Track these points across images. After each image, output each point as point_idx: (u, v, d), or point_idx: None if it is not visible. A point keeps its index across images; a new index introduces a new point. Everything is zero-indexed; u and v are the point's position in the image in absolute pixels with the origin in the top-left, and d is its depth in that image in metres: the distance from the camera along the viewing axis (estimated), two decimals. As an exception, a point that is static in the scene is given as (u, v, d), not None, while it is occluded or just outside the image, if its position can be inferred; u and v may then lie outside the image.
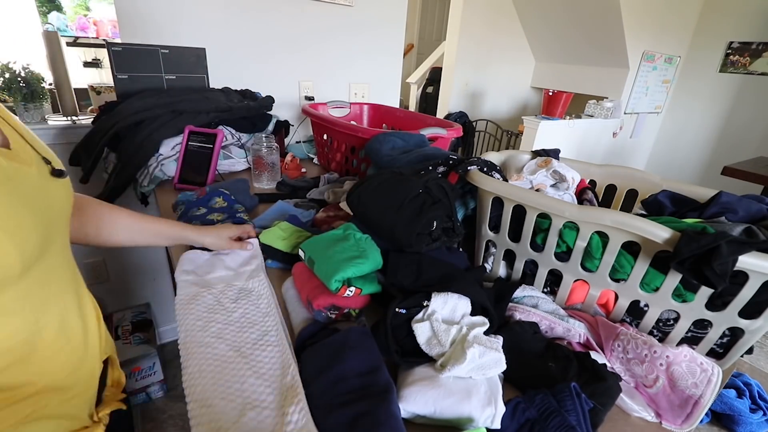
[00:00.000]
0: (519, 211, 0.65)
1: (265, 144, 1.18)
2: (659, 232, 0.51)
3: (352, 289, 0.60)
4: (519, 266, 0.70)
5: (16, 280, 0.37)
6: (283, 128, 1.46)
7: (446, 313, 0.56)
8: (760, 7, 3.26)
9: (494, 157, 0.84)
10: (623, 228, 0.54)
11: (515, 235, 0.68)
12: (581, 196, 0.80)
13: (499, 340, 0.53)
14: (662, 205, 0.73)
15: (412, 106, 4.27)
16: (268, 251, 0.78)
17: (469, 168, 0.72)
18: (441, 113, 3.71)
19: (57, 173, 0.45)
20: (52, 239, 0.43)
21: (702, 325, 0.56)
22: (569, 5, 3.11)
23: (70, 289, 0.48)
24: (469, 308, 0.57)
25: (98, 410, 0.52)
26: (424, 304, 0.56)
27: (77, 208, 0.59)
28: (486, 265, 0.75)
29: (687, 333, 0.57)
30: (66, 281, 0.47)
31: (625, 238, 0.55)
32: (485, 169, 0.72)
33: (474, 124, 3.43)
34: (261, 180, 1.20)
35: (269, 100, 1.36)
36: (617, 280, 0.60)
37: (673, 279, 0.54)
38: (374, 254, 0.64)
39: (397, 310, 0.55)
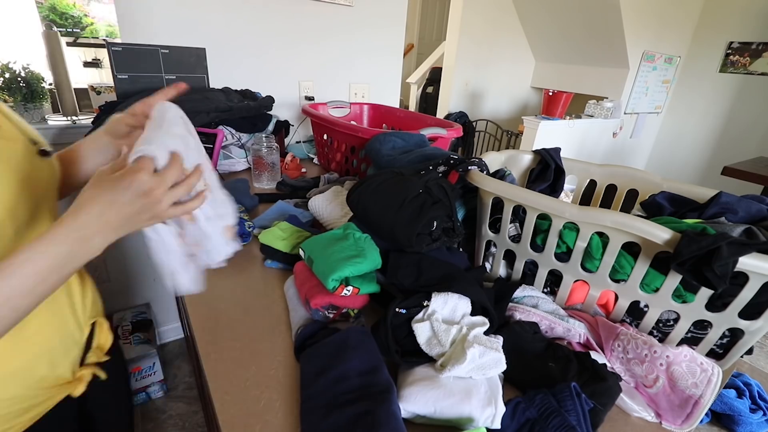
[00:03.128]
0: (519, 212, 0.65)
1: (265, 144, 1.18)
2: (659, 233, 0.51)
3: (350, 288, 0.60)
4: (519, 266, 0.70)
5: (10, 242, 0.41)
6: (283, 128, 1.46)
7: (446, 313, 0.56)
8: (760, 7, 3.26)
9: (495, 157, 0.84)
10: (623, 229, 0.54)
11: (516, 234, 0.68)
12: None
13: (499, 340, 0.53)
14: (661, 207, 0.73)
15: (412, 106, 4.27)
16: (267, 251, 0.78)
17: (469, 168, 0.72)
18: (441, 113, 3.71)
19: (43, 153, 0.50)
20: (42, 209, 0.48)
21: (702, 325, 0.56)
22: (569, 5, 3.10)
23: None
24: (469, 308, 0.57)
25: (80, 369, 0.55)
26: (424, 304, 0.56)
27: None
28: (486, 265, 0.75)
29: (687, 333, 0.57)
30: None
31: (626, 239, 0.55)
32: (484, 171, 0.72)
33: (474, 124, 3.43)
34: (261, 180, 1.20)
35: (269, 100, 1.36)
36: (617, 281, 0.60)
37: (673, 280, 0.54)
38: (373, 254, 0.64)
39: (397, 310, 0.55)
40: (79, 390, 0.54)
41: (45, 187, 0.49)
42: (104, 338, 0.62)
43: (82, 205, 0.38)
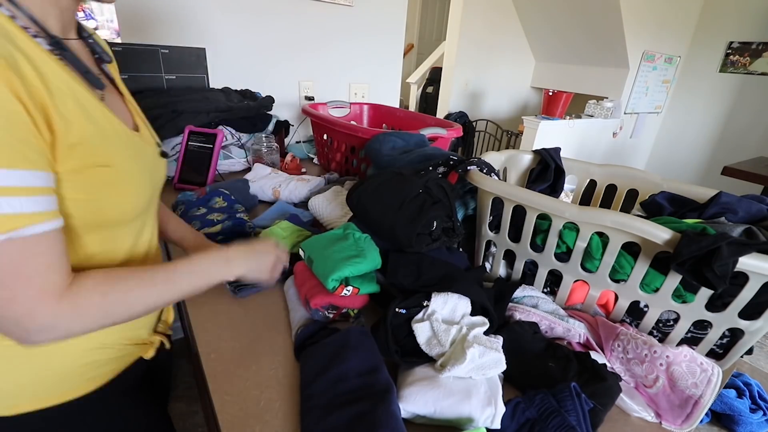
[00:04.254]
0: (519, 212, 0.65)
1: (265, 144, 1.18)
2: (660, 233, 0.51)
3: (350, 288, 0.60)
4: (519, 266, 0.70)
5: (129, 222, 0.51)
6: (283, 128, 1.46)
7: (446, 313, 0.56)
8: (760, 7, 3.26)
9: (494, 157, 0.84)
10: (623, 229, 0.54)
11: (516, 234, 0.68)
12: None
13: (499, 340, 0.53)
14: (661, 207, 0.73)
15: (412, 106, 4.27)
16: (268, 251, 0.78)
17: (468, 168, 0.72)
18: (441, 113, 3.71)
19: (163, 155, 0.60)
20: (155, 197, 0.59)
21: (702, 325, 0.56)
22: (569, 5, 3.11)
23: (155, 235, 0.63)
24: (469, 308, 0.57)
25: (153, 335, 0.64)
26: (424, 304, 0.56)
27: None
28: (486, 265, 0.75)
29: (687, 333, 0.57)
30: (153, 229, 0.62)
31: (626, 239, 0.55)
32: (484, 170, 0.72)
33: (474, 124, 3.43)
34: (261, 180, 1.20)
35: (269, 100, 1.36)
36: (617, 281, 0.60)
37: (673, 280, 0.54)
38: (373, 254, 0.64)
39: (397, 310, 0.55)
40: (150, 353, 0.62)
41: (160, 181, 0.61)
42: (169, 313, 0.72)
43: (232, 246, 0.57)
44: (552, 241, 0.63)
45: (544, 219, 0.64)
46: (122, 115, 0.53)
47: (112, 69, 0.57)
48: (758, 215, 0.64)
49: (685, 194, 0.74)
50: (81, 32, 0.51)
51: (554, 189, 0.85)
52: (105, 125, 0.45)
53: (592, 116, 3.27)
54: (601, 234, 0.59)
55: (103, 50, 0.53)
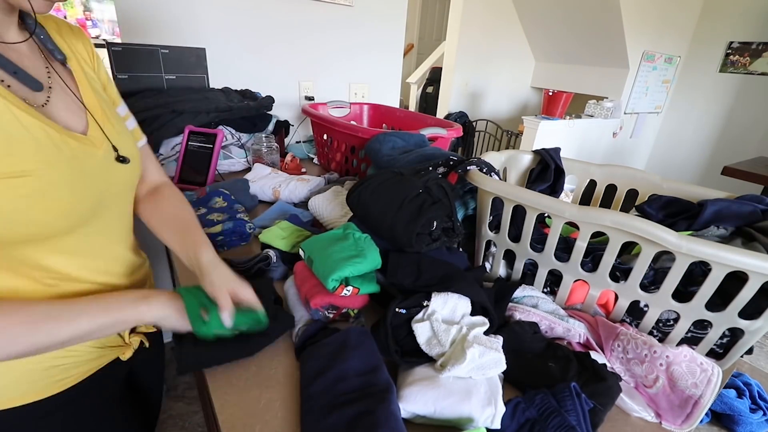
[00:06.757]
0: (519, 212, 0.65)
1: (265, 144, 1.18)
2: (660, 233, 0.51)
3: (350, 288, 0.60)
4: (519, 266, 0.70)
5: (67, 233, 0.48)
6: (283, 128, 1.46)
7: (446, 313, 0.56)
8: (760, 7, 3.26)
9: (495, 157, 0.84)
10: (623, 228, 0.54)
11: (516, 234, 0.68)
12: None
13: (499, 340, 0.53)
14: (649, 217, 0.72)
15: (412, 106, 4.27)
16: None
17: (468, 168, 0.72)
18: (441, 113, 3.71)
19: (120, 159, 0.55)
20: (107, 206, 0.54)
21: (702, 325, 0.56)
22: (569, 5, 3.11)
23: (119, 243, 0.59)
24: (469, 308, 0.57)
25: (131, 336, 0.62)
26: (424, 304, 0.56)
27: (157, 193, 0.69)
28: (486, 265, 0.75)
29: (687, 333, 0.57)
30: (116, 237, 0.58)
31: (625, 239, 0.55)
32: (484, 169, 0.72)
33: (474, 124, 3.43)
34: (261, 180, 1.20)
35: (269, 100, 1.36)
36: (617, 280, 0.60)
37: (674, 279, 0.54)
38: (373, 254, 0.64)
39: (397, 310, 0.55)
40: (127, 354, 0.60)
41: (118, 188, 0.56)
42: None
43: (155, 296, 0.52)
44: (552, 241, 0.63)
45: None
46: (68, 115, 0.49)
47: (74, 66, 0.53)
48: (751, 217, 0.64)
49: (686, 194, 0.73)
50: (34, 30, 0.48)
51: (554, 189, 0.85)
52: (13, 131, 0.40)
53: (592, 116, 3.27)
54: (601, 234, 0.59)
55: (56, 47, 0.50)
